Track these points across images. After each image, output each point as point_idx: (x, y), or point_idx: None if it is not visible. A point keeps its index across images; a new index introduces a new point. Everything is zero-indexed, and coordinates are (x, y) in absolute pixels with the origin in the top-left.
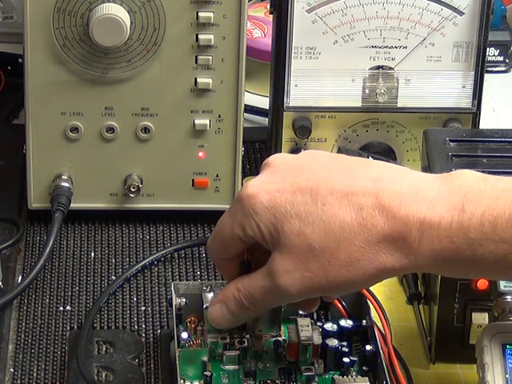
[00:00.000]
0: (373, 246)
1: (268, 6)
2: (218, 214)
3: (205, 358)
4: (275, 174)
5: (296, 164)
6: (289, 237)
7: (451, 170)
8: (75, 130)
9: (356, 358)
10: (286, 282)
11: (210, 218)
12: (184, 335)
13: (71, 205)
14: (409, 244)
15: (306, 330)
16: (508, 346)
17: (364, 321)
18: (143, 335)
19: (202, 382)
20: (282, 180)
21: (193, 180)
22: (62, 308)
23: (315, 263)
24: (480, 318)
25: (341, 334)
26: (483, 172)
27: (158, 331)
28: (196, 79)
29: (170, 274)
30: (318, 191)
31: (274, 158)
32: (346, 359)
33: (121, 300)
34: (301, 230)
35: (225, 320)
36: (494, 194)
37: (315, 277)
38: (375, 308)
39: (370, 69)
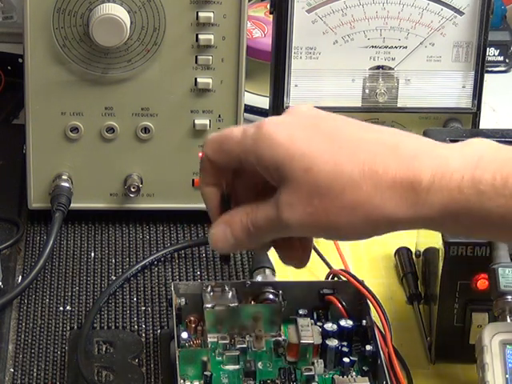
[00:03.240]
0: (380, 192)
1: (268, 6)
2: None
3: (205, 358)
4: (298, 116)
5: (320, 112)
6: (297, 172)
7: None
8: (75, 130)
9: (356, 358)
10: (288, 215)
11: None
12: (184, 335)
13: (71, 205)
14: (417, 192)
15: (306, 329)
16: (508, 346)
17: (364, 321)
18: (143, 335)
19: (202, 382)
20: (304, 122)
21: (193, 180)
22: (61, 308)
23: (318, 201)
24: (480, 318)
25: (341, 334)
26: None
27: (158, 331)
28: (196, 79)
29: (170, 274)
30: (338, 135)
31: (297, 106)
32: (346, 359)
33: (121, 300)
34: (309, 168)
35: (226, 243)
36: (508, 158)
37: (316, 214)
38: (375, 308)
39: (370, 69)
